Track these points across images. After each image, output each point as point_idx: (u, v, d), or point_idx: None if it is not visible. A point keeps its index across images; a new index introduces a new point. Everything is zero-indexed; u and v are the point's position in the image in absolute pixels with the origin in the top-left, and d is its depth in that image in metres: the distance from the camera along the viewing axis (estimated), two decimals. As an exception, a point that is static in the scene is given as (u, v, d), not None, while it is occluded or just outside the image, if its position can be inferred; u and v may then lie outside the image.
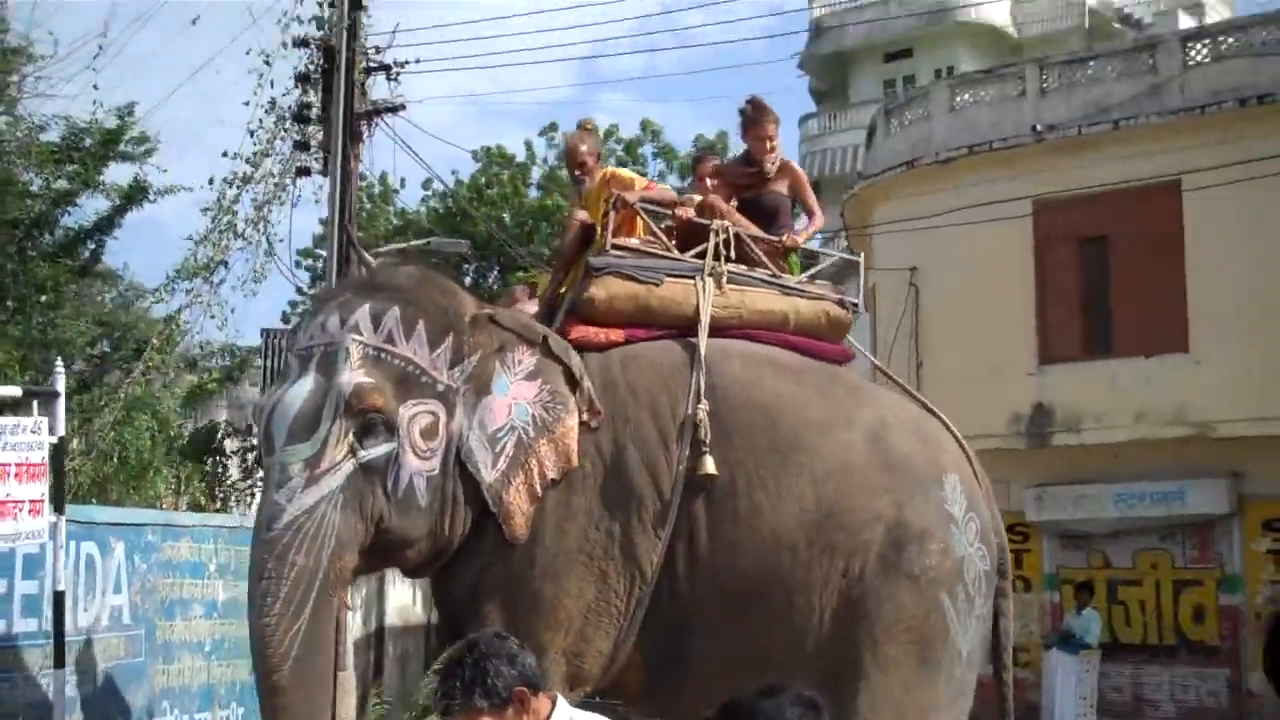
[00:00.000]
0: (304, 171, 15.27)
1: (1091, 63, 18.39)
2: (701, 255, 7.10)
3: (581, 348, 6.81)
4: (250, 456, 15.20)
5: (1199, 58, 17.41)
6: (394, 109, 14.36)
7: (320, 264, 19.10)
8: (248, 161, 13.89)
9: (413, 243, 20.26)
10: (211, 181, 13.77)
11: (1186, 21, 36.59)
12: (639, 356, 6.89)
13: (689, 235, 7.32)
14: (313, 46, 13.92)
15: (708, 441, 6.53)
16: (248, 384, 19.06)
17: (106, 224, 14.35)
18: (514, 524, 6.32)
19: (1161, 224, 16.83)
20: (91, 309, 15.30)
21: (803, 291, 7.46)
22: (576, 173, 7.72)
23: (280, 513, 5.99)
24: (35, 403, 7.80)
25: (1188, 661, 17.28)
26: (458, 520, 6.35)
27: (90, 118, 14.06)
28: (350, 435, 6.09)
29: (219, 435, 15.73)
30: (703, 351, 6.80)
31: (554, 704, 3.89)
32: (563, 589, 6.34)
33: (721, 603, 6.54)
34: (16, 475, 7.03)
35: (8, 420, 7.35)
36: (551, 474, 6.40)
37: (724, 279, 7.08)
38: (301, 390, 6.14)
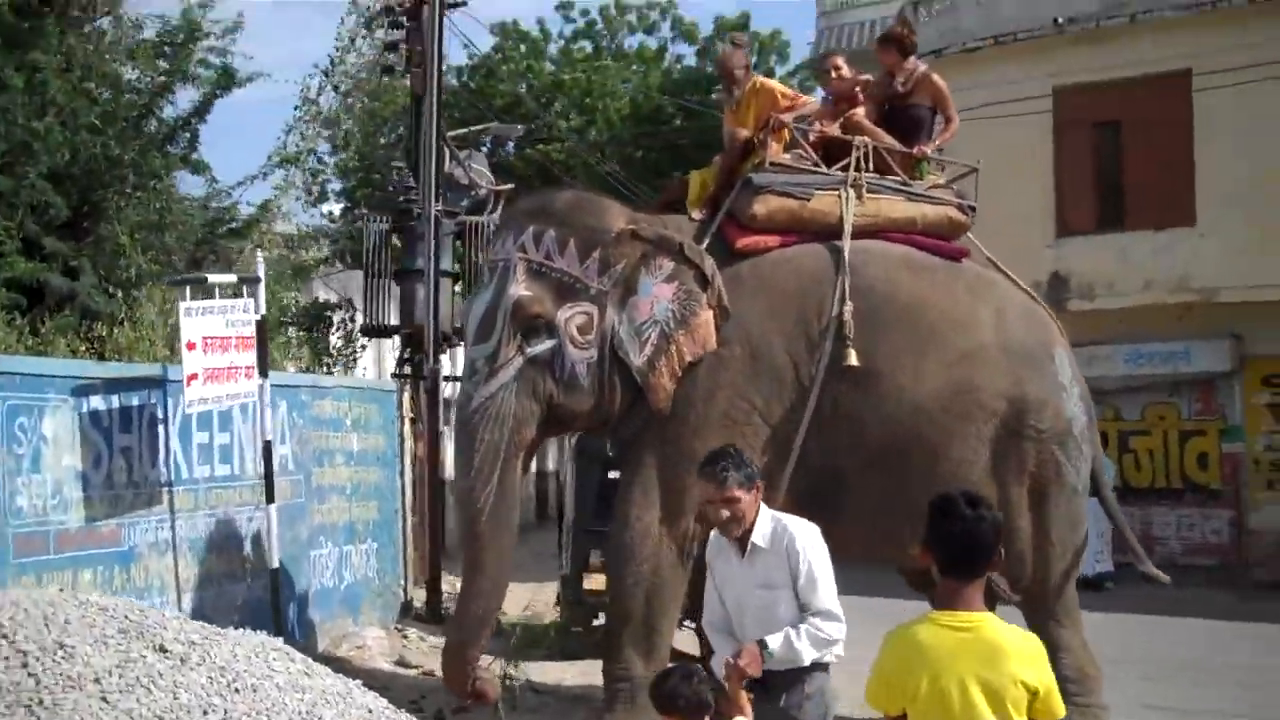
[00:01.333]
0: (388, 70, 16.48)
1: (1110, -40, 19.65)
2: (844, 168, 8.45)
3: (746, 253, 8.22)
4: (349, 325, 16.69)
5: (1217, -53, 18.54)
6: (456, 4, 15.32)
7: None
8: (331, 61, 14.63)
9: (471, 128, 21.37)
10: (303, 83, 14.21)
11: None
12: (790, 260, 8.27)
13: (833, 145, 8.66)
14: None
15: (851, 336, 7.97)
16: (338, 263, 20.63)
17: (199, 112, 14.99)
18: (658, 398, 7.85)
19: (1172, 110, 18.08)
20: (194, 194, 16.19)
21: (929, 198, 8.78)
22: (729, 83, 8.89)
23: (470, 399, 7.64)
24: (244, 286, 9.31)
25: (1193, 503, 18.77)
26: (616, 395, 7.87)
27: (181, 12, 15.03)
28: (518, 337, 7.62)
29: (323, 307, 17.03)
30: (847, 256, 8.19)
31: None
32: (707, 445, 7.36)
33: (872, 459, 8.07)
34: (236, 346, 8.55)
35: (228, 301, 8.81)
36: (689, 357, 7.88)
37: (863, 190, 8.45)
38: (484, 300, 7.77)
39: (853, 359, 7.94)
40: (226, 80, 14.76)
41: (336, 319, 16.79)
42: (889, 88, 9.13)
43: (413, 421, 14.16)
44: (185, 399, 8.02)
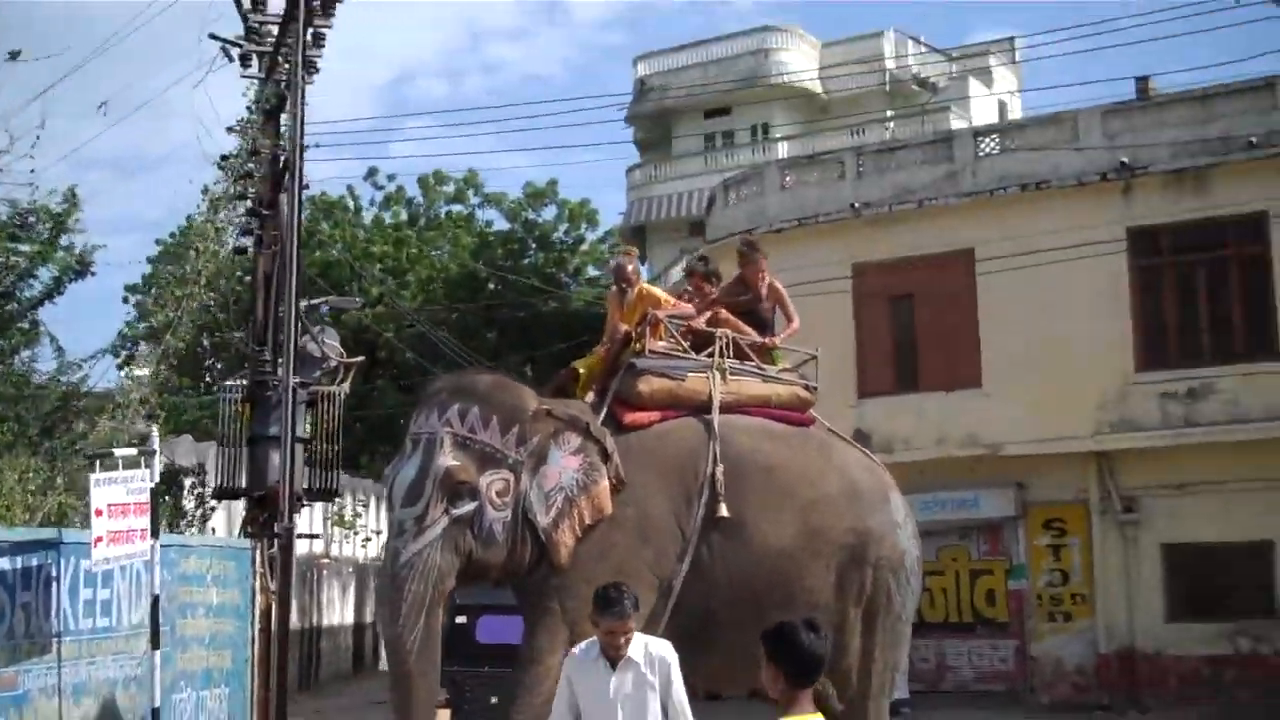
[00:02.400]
0: (240, 251, 17.43)
1: (899, 151, 21.86)
2: (710, 355, 9.86)
3: (632, 427, 9.45)
4: (200, 491, 17.41)
5: (988, 149, 20.96)
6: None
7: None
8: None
9: (312, 301, 22.20)
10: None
11: (977, 86, 40.20)
12: (670, 433, 9.58)
13: (699, 336, 10.05)
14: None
15: (723, 493, 9.28)
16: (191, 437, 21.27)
17: (49, 295, 15.67)
18: (560, 554, 8.92)
19: (959, 285, 20.23)
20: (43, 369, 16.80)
21: (780, 379, 10.28)
22: (624, 285, 10.25)
23: (399, 554, 8.55)
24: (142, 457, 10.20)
25: (983, 635, 20.49)
26: (526, 550, 8.91)
27: (32, 201, 15.84)
28: (444, 500, 8.61)
29: (178, 476, 17.76)
30: (716, 428, 9.56)
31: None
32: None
33: (739, 597, 9.30)
34: (134, 511, 9.51)
35: (131, 472, 9.76)
36: (589, 519, 9.01)
37: (726, 373, 9.87)
38: (411, 468, 8.72)
39: (724, 510, 9.27)
40: (82, 265, 15.58)
41: (189, 483, 17.47)
42: (743, 291, 10.67)
43: (262, 577, 14.92)
44: (93, 559, 8.89)
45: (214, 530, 18.09)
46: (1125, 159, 19.63)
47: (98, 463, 9.69)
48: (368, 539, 30.08)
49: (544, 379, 38.53)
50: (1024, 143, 20.84)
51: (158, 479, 9.90)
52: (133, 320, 24.67)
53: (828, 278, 20.41)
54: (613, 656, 6.21)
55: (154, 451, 9.80)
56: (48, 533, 9.76)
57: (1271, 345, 18.83)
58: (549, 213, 45.63)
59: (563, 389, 10.16)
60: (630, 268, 10.44)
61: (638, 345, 9.77)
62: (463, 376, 10.00)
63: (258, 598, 14.00)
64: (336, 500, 21.05)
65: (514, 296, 40.02)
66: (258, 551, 14.39)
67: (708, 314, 10.35)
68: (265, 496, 14.68)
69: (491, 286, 40.15)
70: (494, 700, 12.77)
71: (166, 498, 16.91)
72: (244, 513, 16.59)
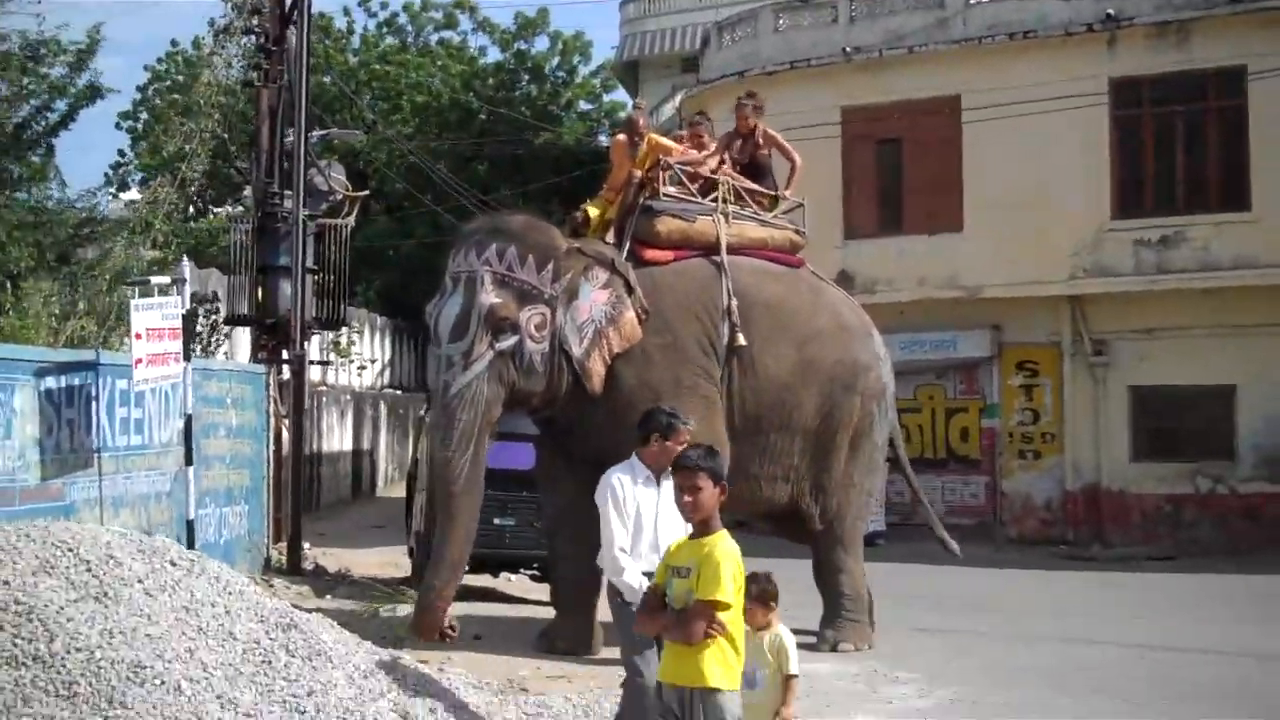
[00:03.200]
0: (248, 84, 17.84)
1: (891, -2, 22.13)
2: (714, 200, 10.73)
3: (649, 263, 10.26)
4: (214, 316, 18.07)
5: (977, -2, 21.22)
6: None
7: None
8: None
9: (315, 133, 22.56)
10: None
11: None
12: (687, 269, 10.46)
13: (704, 184, 10.89)
14: None
15: (739, 324, 10.21)
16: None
17: (63, 123, 15.97)
18: (592, 381, 9.77)
19: (944, 131, 20.65)
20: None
21: (774, 224, 11.21)
22: (635, 137, 10.96)
23: (449, 386, 9.22)
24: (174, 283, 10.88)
25: (956, 471, 21.38)
26: (562, 379, 9.72)
27: (39, 31, 16.15)
28: (489, 335, 9.30)
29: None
30: (727, 266, 10.45)
31: None
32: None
33: (747, 419, 10.33)
34: (168, 335, 10.26)
35: (166, 298, 10.47)
36: (616, 348, 9.84)
37: (730, 216, 10.75)
38: (455, 306, 9.36)
39: (742, 340, 10.25)
40: (91, 95, 15.96)
41: (201, 310, 18.15)
42: (743, 140, 11.49)
43: (275, 401, 15.71)
44: (134, 379, 9.59)
45: (227, 356, 18.77)
46: (1111, 11, 19.92)
47: (135, 289, 10.32)
48: (362, 367, 30.78)
49: (537, 213, 38.94)
50: (1013, -11, 21.09)
51: (188, 305, 10.49)
52: (135, 149, 24.72)
53: (817, 122, 20.70)
54: (658, 471, 6.68)
55: (184, 279, 10.43)
56: (87, 354, 10.43)
57: (1243, 197, 19.38)
58: (540, 43, 45.50)
59: (576, 231, 10.87)
60: (642, 121, 11.15)
61: (650, 190, 10.55)
62: (497, 217, 10.61)
63: (271, 421, 14.82)
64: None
65: (505, 128, 40.18)
66: (270, 376, 15.19)
67: (715, 161, 11.11)
68: (277, 324, 15.45)
69: (482, 117, 40.25)
70: (496, 521, 13.65)
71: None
72: (252, 339, 17.43)
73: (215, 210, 30.14)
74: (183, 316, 10.32)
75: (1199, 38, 19.62)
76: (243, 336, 19.51)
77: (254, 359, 16.46)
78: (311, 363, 16.00)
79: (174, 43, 39.48)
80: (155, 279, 11.05)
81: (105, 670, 5.45)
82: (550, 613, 11.07)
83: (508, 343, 9.44)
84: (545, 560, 13.07)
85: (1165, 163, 20.04)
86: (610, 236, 10.68)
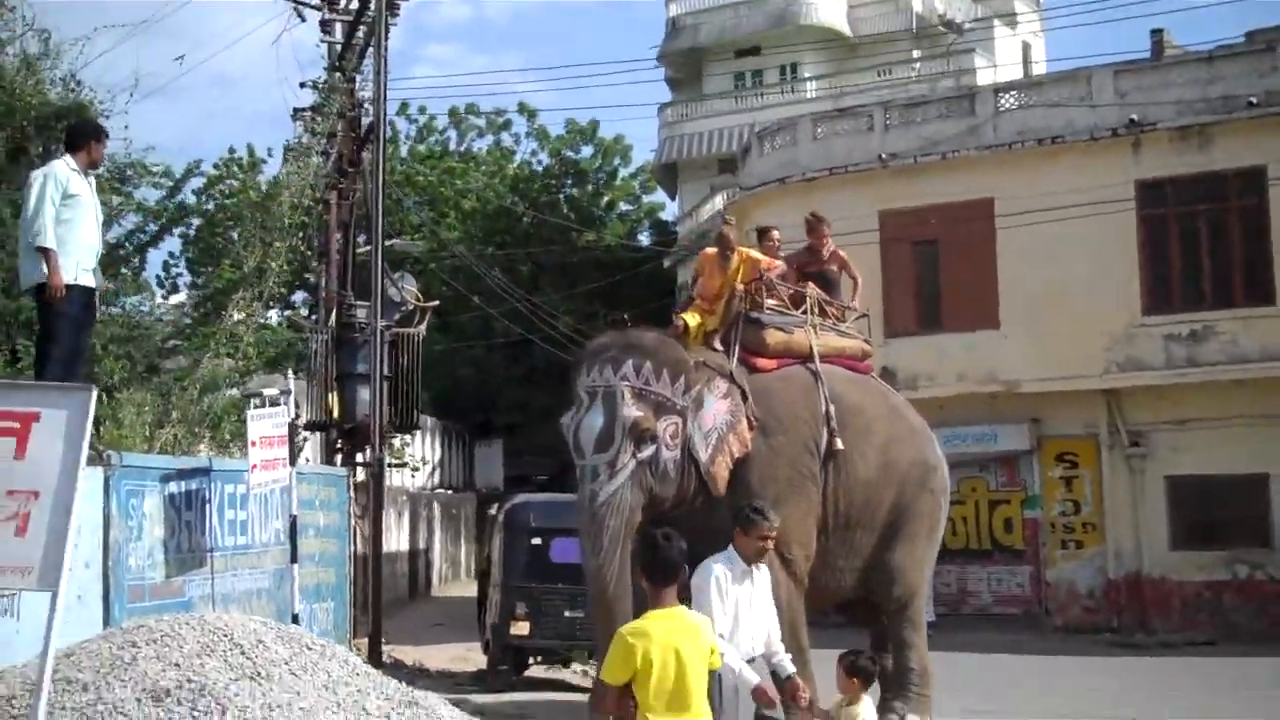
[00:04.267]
0: (324, 202, 18.93)
1: (924, 105, 23.21)
2: (804, 312, 11.58)
3: (756, 370, 11.02)
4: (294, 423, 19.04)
5: (1008, 105, 22.28)
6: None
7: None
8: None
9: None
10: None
11: (1001, 29, 41.10)
12: (789, 377, 11.22)
13: (793, 296, 11.78)
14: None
15: (836, 429, 10.95)
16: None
17: (154, 241, 16.90)
18: (718, 484, 10.39)
19: (979, 232, 21.61)
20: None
21: (849, 334, 12.12)
22: (727, 251, 11.58)
23: (596, 495, 9.77)
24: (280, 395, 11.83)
25: (1000, 561, 22.02)
26: (690, 484, 10.32)
27: (127, 155, 17.34)
28: (632, 445, 9.90)
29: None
30: (822, 375, 11.26)
31: None
32: (780, 505, 9.89)
33: (839, 517, 11.06)
34: (279, 442, 11.19)
35: (276, 409, 11.41)
36: (736, 454, 10.51)
37: (817, 328, 11.60)
38: (597, 418, 9.96)
39: (839, 444, 10.99)
40: (180, 217, 17.05)
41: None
42: (812, 256, 12.51)
43: (354, 502, 16.61)
44: (250, 483, 10.52)
45: (307, 460, 19.68)
46: (1135, 116, 20.94)
47: (252, 400, 11.30)
48: (416, 469, 31.65)
49: (584, 312, 39.80)
50: (1041, 99, 22.15)
51: (293, 415, 11.43)
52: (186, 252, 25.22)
53: (856, 225, 21.55)
54: (753, 562, 7.29)
55: (289, 391, 11.39)
56: (202, 461, 11.38)
57: (1268, 292, 20.24)
58: (585, 151, 46.84)
59: (678, 339, 11.41)
60: (733, 235, 11.80)
61: (748, 303, 11.35)
62: (630, 334, 11.17)
63: (353, 522, 15.69)
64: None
65: (550, 231, 41.30)
66: (350, 479, 16.10)
67: (790, 273, 12.10)
68: (355, 428, 16.40)
69: (527, 220, 41.43)
70: (567, 614, 14.47)
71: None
72: (330, 444, 18.34)
73: (286, 311, 31.15)
74: (290, 426, 11.24)
75: (1220, 140, 20.58)
76: (311, 441, 20.43)
77: (327, 462, 17.37)
78: (393, 465, 16.92)
79: (231, 149, 40.92)
80: (268, 391, 11.98)
81: (271, 738, 6.30)
82: None
83: (647, 452, 10.01)
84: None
85: (1191, 260, 20.91)
86: (716, 344, 11.33)
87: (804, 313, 11.65)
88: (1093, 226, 20.67)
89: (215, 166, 40.77)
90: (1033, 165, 21.59)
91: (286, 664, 7.21)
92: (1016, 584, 21.91)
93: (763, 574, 7.58)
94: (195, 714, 6.35)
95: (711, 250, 11.95)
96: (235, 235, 26.33)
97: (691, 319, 11.54)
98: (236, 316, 16.91)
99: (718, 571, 7.30)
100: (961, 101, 23.03)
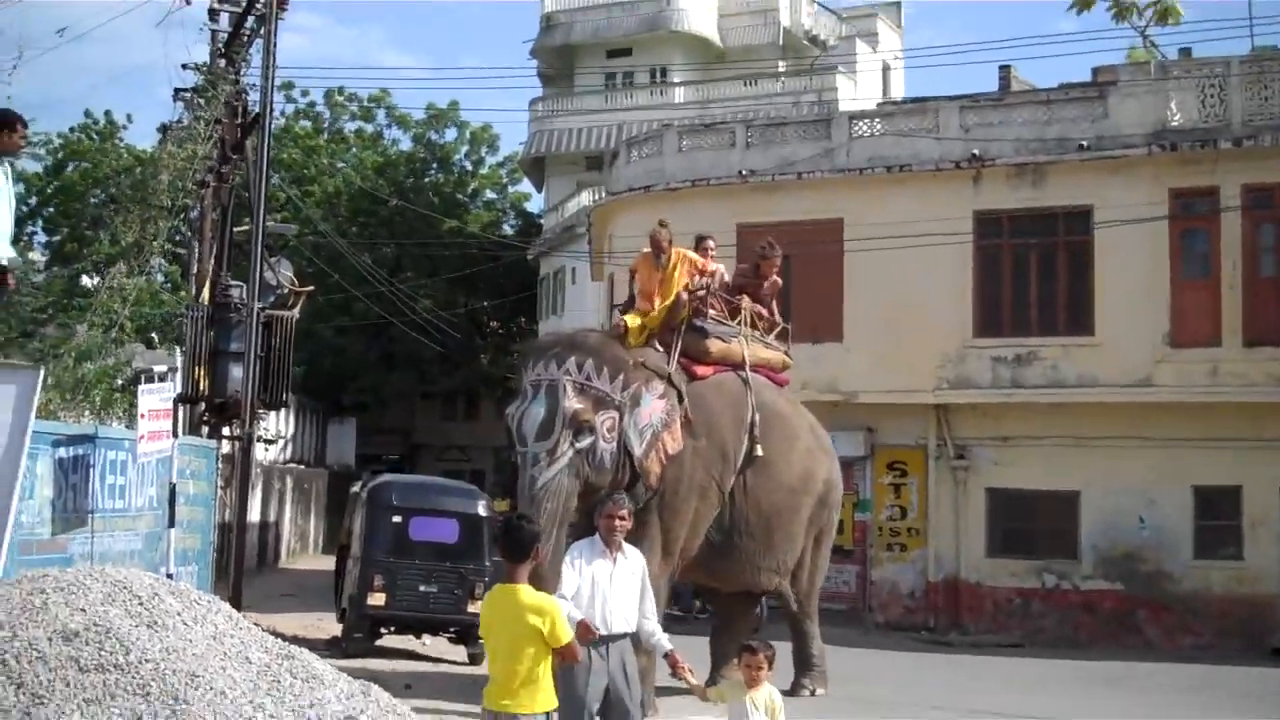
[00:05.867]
0: (203, 184, 19.42)
1: (783, 127, 24.36)
2: (739, 323, 12.74)
3: (697, 377, 12.04)
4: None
5: (861, 132, 23.52)
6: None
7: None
8: None
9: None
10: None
11: (863, 48, 42.64)
12: (723, 383, 12.33)
13: (730, 307, 12.85)
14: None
15: (759, 436, 12.07)
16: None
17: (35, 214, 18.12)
18: (650, 478, 11.45)
19: (828, 251, 22.76)
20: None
21: (773, 346, 13.38)
22: (659, 252, 12.57)
23: (536, 480, 10.69)
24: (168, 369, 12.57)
25: (832, 560, 22.89)
26: (624, 475, 11.29)
27: None
28: (571, 435, 10.88)
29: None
30: (751, 383, 12.40)
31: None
32: (688, 505, 11.67)
33: (759, 516, 12.27)
34: (164, 415, 11.91)
35: (163, 384, 12.21)
36: (670, 450, 11.52)
37: (750, 339, 12.75)
38: (540, 409, 10.91)
39: (759, 451, 12.23)
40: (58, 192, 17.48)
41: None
42: (756, 279, 13.77)
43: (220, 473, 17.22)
44: (139, 453, 11.22)
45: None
46: (976, 151, 22.28)
47: (142, 376, 12.02)
48: (271, 442, 32.09)
49: (445, 298, 40.15)
50: (892, 128, 23.43)
51: (178, 389, 12.15)
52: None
53: (716, 238, 22.61)
54: (610, 543, 8.00)
55: (176, 369, 12.12)
56: (88, 429, 12.03)
57: (1088, 323, 21.72)
58: (449, 134, 47.41)
59: (619, 339, 12.51)
60: (666, 236, 12.80)
61: (689, 310, 12.39)
62: (576, 333, 12.46)
63: (218, 492, 16.34)
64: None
65: (414, 216, 41.85)
66: (218, 452, 16.74)
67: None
68: (224, 404, 17.05)
69: (392, 204, 41.92)
70: (421, 588, 15.35)
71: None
72: (197, 417, 18.90)
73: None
74: (174, 399, 11.96)
75: (1053, 179, 22.04)
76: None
77: (193, 434, 17.91)
78: (262, 440, 17.58)
79: (87, 113, 40.38)
80: (158, 367, 12.71)
81: (169, 676, 7.08)
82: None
83: (585, 442, 11.01)
84: (464, 624, 14.85)
85: (1021, 289, 22.31)
86: (656, 345, 12.36)
87: (739, 324, 12.76)
88: (933, 252, 21.84)
89: (71, 130, 40.43)
90: (880, 191, 22.83)
91: (179, 615, 8.01)
92: (844, 582, 23.05)
93: (634, 559, 8.22)
94: (103, 653, 7.13)
95: (647, 250, 12.91)
96: (103, 206, 26.67)
97: (633, 321, 12.46)
98: (113, 286, 17.48)
99: (576, 548, 8.20)
100: (819, 125, 24.18)
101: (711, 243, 13.88)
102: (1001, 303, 22.46)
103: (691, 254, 13.09)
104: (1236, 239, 21.06)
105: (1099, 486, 21.54)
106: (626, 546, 8.18)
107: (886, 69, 44.60)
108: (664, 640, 8.14)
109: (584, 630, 7.43)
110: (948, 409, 22.55)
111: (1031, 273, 22.30)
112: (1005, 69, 27.40)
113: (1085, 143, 21.71)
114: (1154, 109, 21.61)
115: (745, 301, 13.16)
